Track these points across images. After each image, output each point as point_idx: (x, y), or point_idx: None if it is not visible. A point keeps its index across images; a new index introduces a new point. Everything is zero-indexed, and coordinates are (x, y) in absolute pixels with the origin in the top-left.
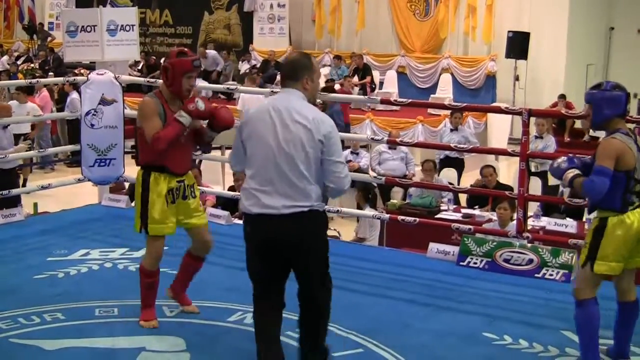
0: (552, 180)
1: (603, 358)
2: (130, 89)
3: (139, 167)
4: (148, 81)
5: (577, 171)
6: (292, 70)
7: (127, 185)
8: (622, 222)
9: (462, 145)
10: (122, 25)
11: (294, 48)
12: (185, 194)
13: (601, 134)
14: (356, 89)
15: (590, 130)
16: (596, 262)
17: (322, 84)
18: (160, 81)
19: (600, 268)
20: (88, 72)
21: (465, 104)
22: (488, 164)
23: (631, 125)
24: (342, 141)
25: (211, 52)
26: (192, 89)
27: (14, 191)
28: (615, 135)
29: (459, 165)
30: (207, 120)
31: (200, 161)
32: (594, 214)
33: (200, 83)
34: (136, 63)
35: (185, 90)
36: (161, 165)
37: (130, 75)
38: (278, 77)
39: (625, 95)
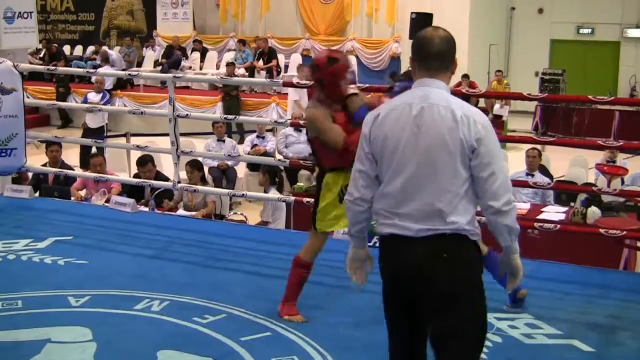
0: None
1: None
2: (31, 77)
3: (320, 170)
4: (49, 69)
5: None
6: (446, 54)
7: (30, 175)
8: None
9: None
10: (19, 13)
11: (198, 33)
12: None
13: (504, 112)
14: (262, 72)
15: (494, 109)
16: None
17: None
18: (78, 70)
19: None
20: None
21: (367, 85)
22: None
23: (533, 103)
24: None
25: (113, 55)
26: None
27: None
28: None
29: None
30: None
31: (103, 148)
32: None
33: (103, 69)
34: (38, 51)
35: (345, 92)
36: (342, 166)
37: (31, 63)
38: (184, 63)
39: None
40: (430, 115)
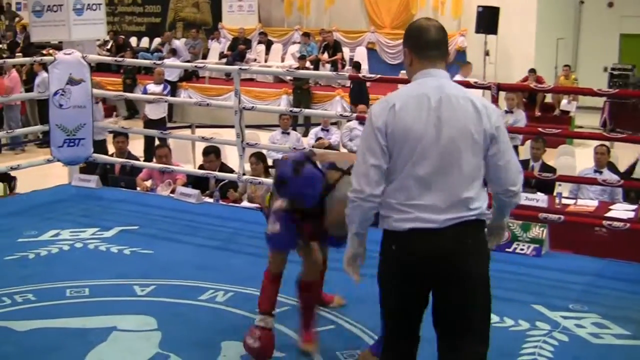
0: (522, 155)
1: None
2: (99, 68)
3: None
4: (116, 60)
5: None
6: (443, 43)
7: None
8: None
9: None
10: (88, 5)
11: (263, 25)
12: None
13: (571, 107)
14: (327, 65)
15: (561, 105)
16: None
17: (293, 61)
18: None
19: None
20: (56, 52)
21: None
22: None
23: (601, 99)
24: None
25: (177, 43)
26: None
27: None
28: None
29: None
30: None
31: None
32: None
33: (169, 61)
34: (105, 42)
35: None
36: None
37: (99, 54)
38: (248, 55)
39: None
40: (450, 106)
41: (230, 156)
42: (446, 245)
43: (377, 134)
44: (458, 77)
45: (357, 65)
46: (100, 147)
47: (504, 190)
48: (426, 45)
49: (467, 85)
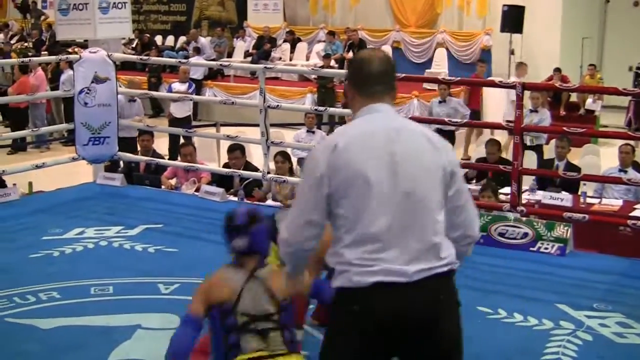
0: (547, 154)
1: None
2: (124, 66)
3: None
4: (141, 59)
5: None
6: (388, 75)
7: (122, 163)
8: None
9: (455, 120)
10: (114, 3)
11: (289, 24)
12: None
13: (596, 107)
14: None
15: (586, 104)
16: None
17: (318, 60)
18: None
19: None
20: (81, 50)
21: (459, 78)
22: (492, 138)
23: (626, 98)
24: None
25: (202, 40)
26: None
27: (9, 170)
28: None
29: (449, 138)
30: None
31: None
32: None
33: (194, 60)
34: (130, 41)
35: None
36: None
37: (124, 53)
38: (273, 54)
39: None
40: (404, 141)
41: (255, 155)
42: (417, 303)
43: (317, 181)
44: (513, 78)
45: None
46: (131, 144)
47: (462, 236)
48: (367, 79)
49: (492, 84)
